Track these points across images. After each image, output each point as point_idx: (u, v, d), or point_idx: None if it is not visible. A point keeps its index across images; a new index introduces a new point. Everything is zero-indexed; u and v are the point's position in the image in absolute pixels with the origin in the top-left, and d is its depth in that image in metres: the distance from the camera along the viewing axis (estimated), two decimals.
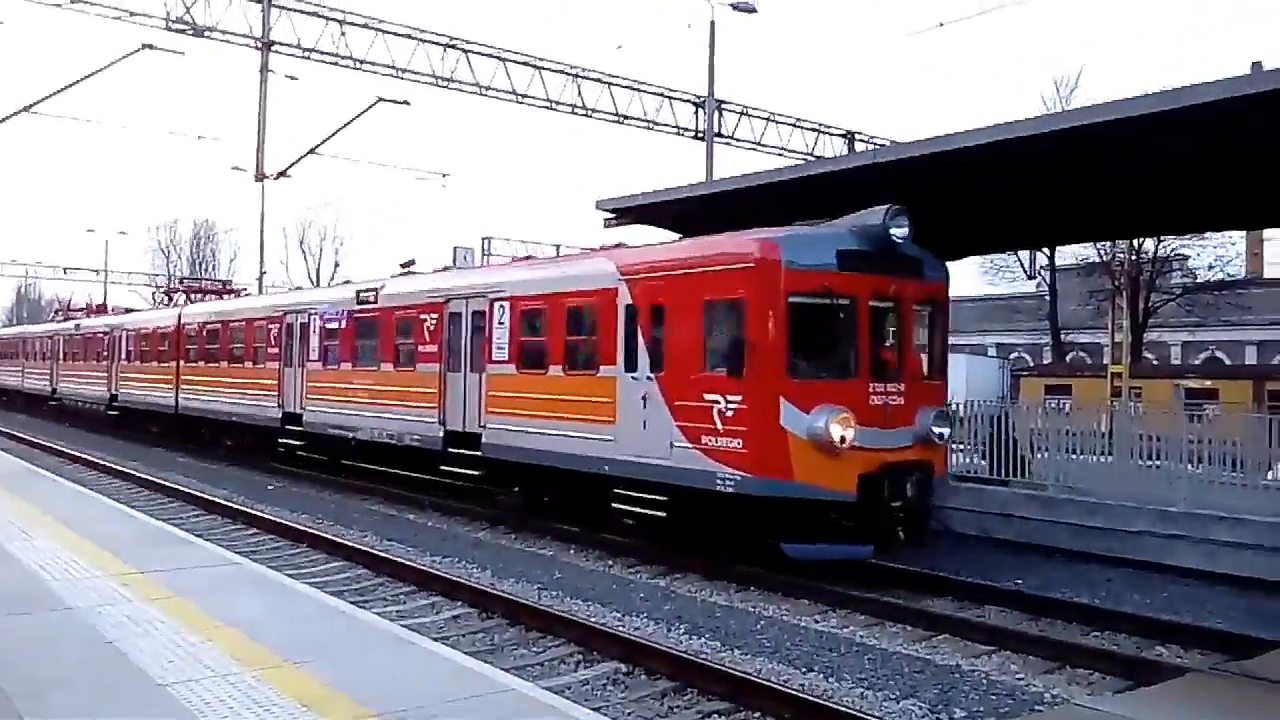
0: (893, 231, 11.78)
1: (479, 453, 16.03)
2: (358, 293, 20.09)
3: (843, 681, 8.48)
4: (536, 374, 15.04)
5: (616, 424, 13.26)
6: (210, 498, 18.13)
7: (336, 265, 72.98)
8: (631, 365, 13.12)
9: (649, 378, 12.83)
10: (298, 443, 21.95)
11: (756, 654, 9.23)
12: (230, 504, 17.43)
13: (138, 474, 21.49)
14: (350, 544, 13.86)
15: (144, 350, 31.04)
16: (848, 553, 11.57)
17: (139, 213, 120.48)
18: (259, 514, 16.37)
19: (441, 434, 16.97)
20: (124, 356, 32.49)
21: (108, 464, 23.14)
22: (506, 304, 15.74)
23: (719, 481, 11.76)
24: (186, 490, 19.09)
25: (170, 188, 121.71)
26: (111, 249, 77.52)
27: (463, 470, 16.60)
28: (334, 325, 20.78)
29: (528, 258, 17.97)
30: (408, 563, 12.63)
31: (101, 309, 43.38)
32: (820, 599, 11.22)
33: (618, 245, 14.98)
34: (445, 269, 20.86)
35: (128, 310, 40.95)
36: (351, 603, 9.38)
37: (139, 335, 31.71)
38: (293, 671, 6.29)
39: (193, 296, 34.54)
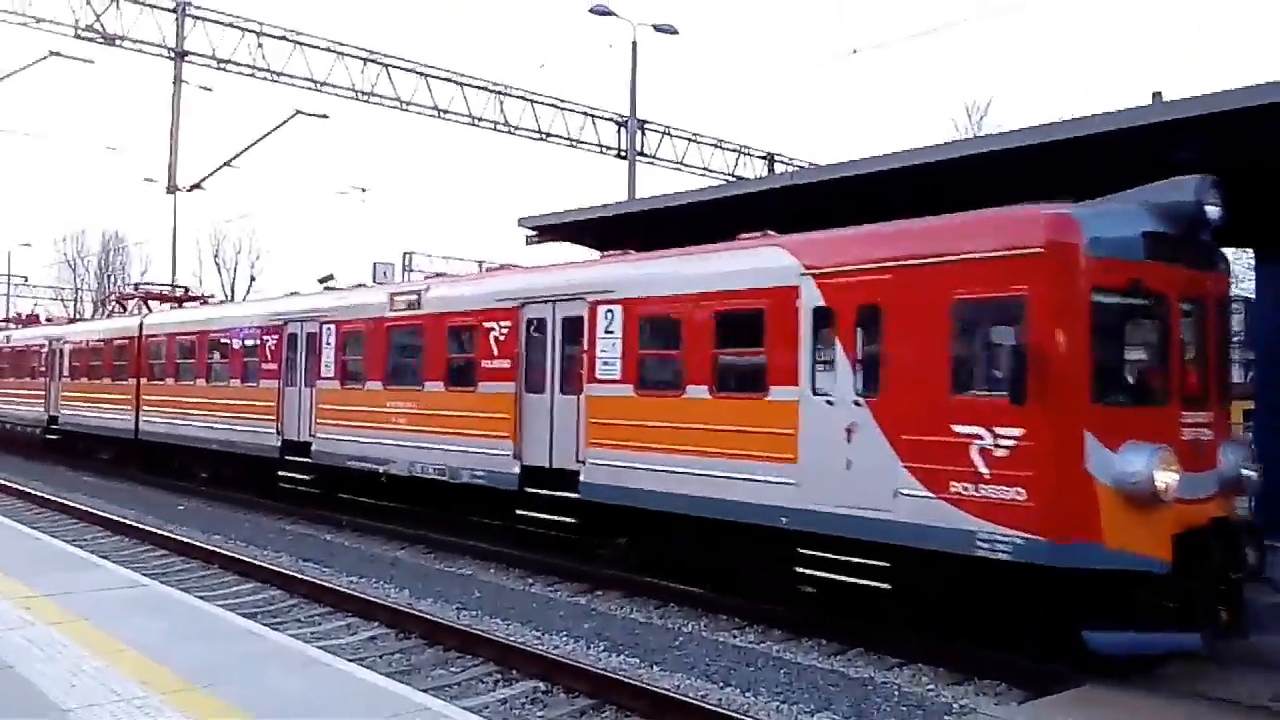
0: (1208, 209, 9.02)
1: (575, 494, 13.09)
2: (392, 296, 16.85)
3: (759, 695, 8.60)
4: (668, 397, 12.03)
5: (801, 462, 10.39)
6: (117, 518, 17.60)
7: (252, 279, 71.54)
8: (823, 386, 10.36)
9: (856, 403, 9.91)
10: (304, 477, 18.58)
11: (675, 670, 9.30)
12: (138, 525, 16.93)
13: (40, 494, 20.75)
14: (263, 565, 13.59)
15: (93, 366, 27.08)
16: (1174, 643, 8.63)
17: (44, 225, 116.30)
18: (168, 535, 15.94)
19: (517, 470, 14.01)
20: (66, 373, 28.49)
21: (7, 484, 22.27)
22: (617, 309, 12.68)
23: (983, 544, 8.80)
24: (92, 511, 18.49)
25: (78, 199, 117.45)
26: (14, 262, 74.58)
27: (549, 516, 13.50)
28: (358, 336, 17.45)
29: (624, 251, 14.04)
30: (323, 583, 12.43)
31: (34, 319, 38.55)
32: (736, 614, 11.32)
33: (762, 232, 11.87)
34: (502, 267, 17.82)
35: (71, 320, 36.64)
36: (265, 625, 9.22)
37: (87, 349, 27.71)
38: (201, 695, 6.17)
39: (151, 304, 28.94)
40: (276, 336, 19.27)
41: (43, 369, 30.06)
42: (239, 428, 20.17)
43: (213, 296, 31.59)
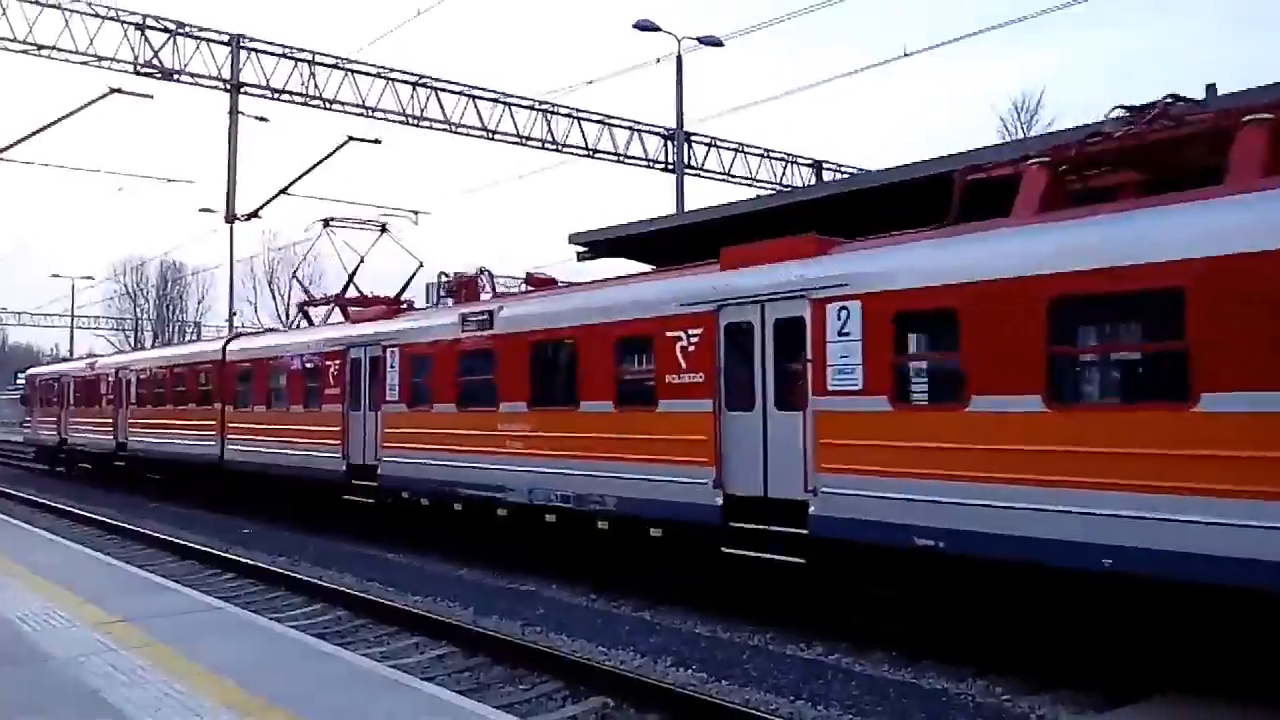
0: None
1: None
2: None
3: (831, 708, 8.51)
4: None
5: None
6: (185, 543, 17.94)
7: None
8: None
9: None
10: None
11: (744, 684, 9.24)
12: (206, 549, 17.24)
13: (108, 520, 21.24)
14: (330, 585, 13.75)
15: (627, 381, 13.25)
16: None
17: (104, 257, 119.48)
18: (235, 558, 16.21)
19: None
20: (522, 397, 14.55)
21: (75, 510, 22.84)
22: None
23: None
24: (159, 536, 18.87)
25: (135, 232, 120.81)
26: (70, 294, 76.36)
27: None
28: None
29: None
30: (389, 603, 12.55)
31: (373, 301, 21.31)
32: (802, 627, 11.21)
33: None
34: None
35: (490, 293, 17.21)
36: (336, 645, 9.32)
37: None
38: (291, 718, 6.25)
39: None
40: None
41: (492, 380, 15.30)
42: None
43: None
